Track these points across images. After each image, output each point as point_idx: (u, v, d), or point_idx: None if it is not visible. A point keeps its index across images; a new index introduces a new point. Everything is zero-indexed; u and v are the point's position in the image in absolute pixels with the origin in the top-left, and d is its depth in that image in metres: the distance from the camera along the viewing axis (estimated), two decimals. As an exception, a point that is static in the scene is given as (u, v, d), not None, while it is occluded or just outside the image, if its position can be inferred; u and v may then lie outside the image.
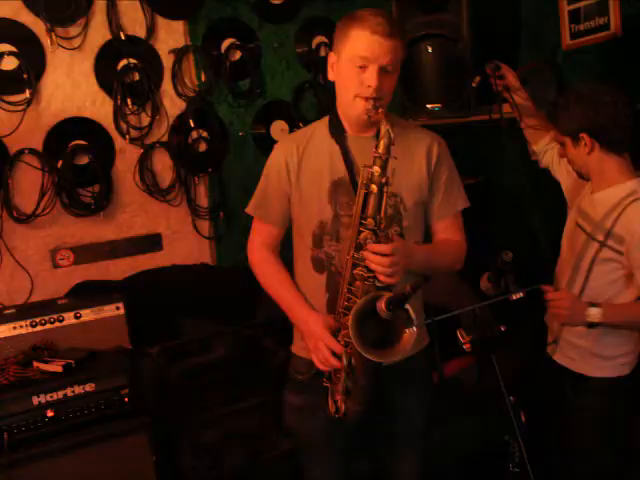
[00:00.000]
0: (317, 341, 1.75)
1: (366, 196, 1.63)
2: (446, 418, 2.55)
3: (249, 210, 1.98)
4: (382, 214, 1.62)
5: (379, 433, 1.92)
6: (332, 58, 1.78)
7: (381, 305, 1.45)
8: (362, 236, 1.64)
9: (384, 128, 1.61)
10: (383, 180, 1.61)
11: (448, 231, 1.89)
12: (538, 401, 2.12)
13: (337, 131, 1.82)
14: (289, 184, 1.85)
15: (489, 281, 1.72)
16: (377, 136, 1.74)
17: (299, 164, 1.83)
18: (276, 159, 1.89)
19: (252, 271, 1.98)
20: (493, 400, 2.46)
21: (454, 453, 2.67)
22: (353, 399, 1.73)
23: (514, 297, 1.45)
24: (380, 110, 1.65)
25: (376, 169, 1.61)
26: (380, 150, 1.61)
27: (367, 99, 1.68)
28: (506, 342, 1.54)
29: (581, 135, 1.93)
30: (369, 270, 1.64)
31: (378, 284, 1.64)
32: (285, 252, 1.99)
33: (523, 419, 2.06)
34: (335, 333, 1.74)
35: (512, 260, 1.52)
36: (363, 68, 1.68)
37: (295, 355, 1.97)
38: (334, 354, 1.71)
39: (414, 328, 1.43)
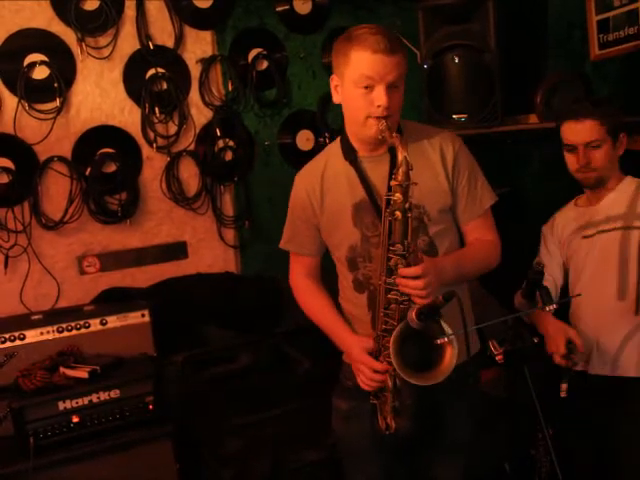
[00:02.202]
0: (358, 364, 1.77)
1: (391, 223, 1.64)
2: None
3: (282, 245, 2.00)
4: (409, 238, 1.63)
5: (426, 442, 1.90)
6: (335, 81, 1.76)
7: (412, 315, 1.43)
8: (392, 262, 1.65)
9: (401, 155, 1.60)
10: (407, 206, 1.61)
11: (479, 231, 1.87)
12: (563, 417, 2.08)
13: (349, 154, 1.82)
14: (314, 215, 1.88)
15: (523, 297, 1.69)
16: (391, 154, 1.75)
17: (321, 194, 1.85)
18: (298, 193, 1.91)
19: (295, 298, 2.01)
20: (519, 413, 2.44)
21: (480, 467, 2.63)
22: (402, 416, 1.74)
23: (547, 309, 1.42)
24: (395, 135, 1.64)
25: (398, 196, 1.61)
26: (399, 178, 1.60)
27: (379, 119, 1.67)
28: (539, 354, 1.51)
29: (621, 135, 2.05)
30: (402, 294, 1.64)
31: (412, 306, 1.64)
32: (327, 273, 2.01)
33: (550, 432, 2.02)
34: (375, 355, 1.74)
35: (544, 271, 1.48)
36: (369, 88, 1.66)
37: (345, 363, 1.97)
38: (378, 371, 1.72)
39: (455, 346, 1.41)
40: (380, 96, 1.65)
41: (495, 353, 1.41)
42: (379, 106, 1.66)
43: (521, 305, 1.78)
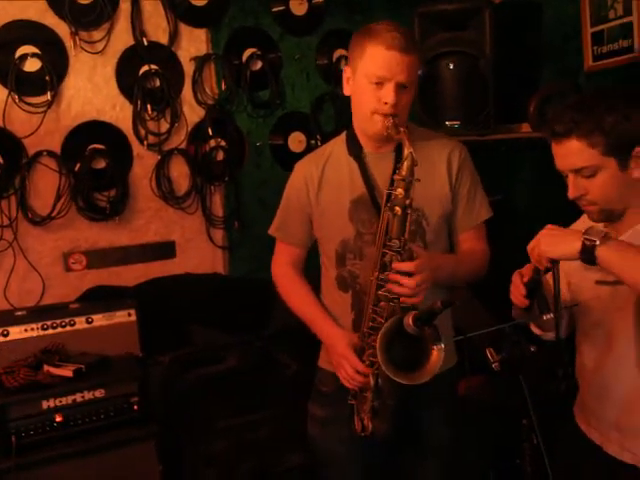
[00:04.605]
0: (340, 358, 1.77)
1: (390, 218, 1.64)
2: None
3: (272, 231, 2.01)
4: (406, 235, 1.63)
5: (404, 447, 1.91)
6: (347, 72, 1.78)
7: (408, 320, 1.44)
8: (387, 257, 1.65)
9: (407, 150, 1.60)
10: (407, 202, 1.61)
11: (472, 241, 1.89)
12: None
13: (354, 148, 1.83)
14: (309, 204, 1.87)
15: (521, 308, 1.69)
16: (396, 152, 1.77)
17: (319, 184, 1.85)
18: (296, 180, 1.91)
19: (276, 288, 2.01)
20: (506, 421, 2.46)
21: (464, 475, 2.64)
22: (380, 418, 1.73)
23: (545, 317, 1.43)
24: (402, 129, 1.64)
25: (400, 191, 1.61)
26: (403, 173, 1.61)
27: (385, 116, 1.68)
28: (536, 363, 1.52)
29: (637, 149, 1.44)
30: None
31: (402, 305, 1.65)
32: (312, 270, 2.01)
33: (535, 442, 2.02)
34: (359, 353, 1.74)
35: (540, 278, 1.49)
36: (379, 85, 1.68)
37: (320, 368, 1.97)
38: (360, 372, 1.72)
39: (442, 346, 1.42)
40: (388, 93, 1.66)
41: (492, 361, 1.41)
42: (386, 103, 1.67)
43: (519, 316, 1.76)
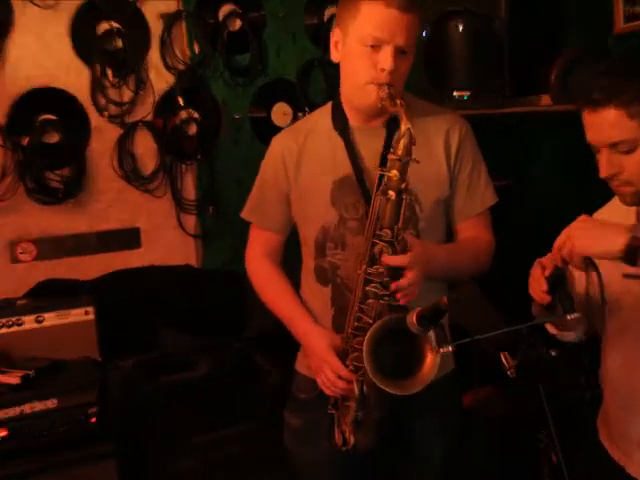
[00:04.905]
0: (321, 362, 1.77)
1: (382, 204, 1.63)
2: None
3: (245, 215, 2.00)
4: (400, 224, 1.62)
5: (393, 459, 1.92)
6: (337, 35, 1.76)
7: (412, 319, 1.43)
8: (377, 249, 1.64)
9: (404, 126, 1.59)
10: (402, 186, 1.60)
11: (474, 230, 1.89)
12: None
13: (340, 122, 1.82)
14: (287, 183, 1.87)
15: (541, 305, 1.69)
16: (388, 127, 1.75)
17: (298, 161, 1.85)
18: (273, 156, 1.91)
19: (250, 281, 2.01)
20: (519, 437, 2.48)
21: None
22: (364, 431, 1.73)
23: (569, 317, 1.42)
24: (399, 101, 1.62)
25: (394, 173, 1.60)
26: (399, 152, 1.59)
27: (381, 86, 1.66)
28: (557, 369, 1.51)
29: None
30: (384, 287, 1.64)
31: (393, 303, 1.64)
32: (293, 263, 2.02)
33: (555, 461, 2.03)
34: (342, 356, 1.74)
35: (564, 271, 1.48)
36: (375, 48, 1.65)
37: (298, 373, 1.98)
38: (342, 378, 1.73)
39: (449, 348, 1.42)
40: (386, 58, 1.64)
41: (507, 367, 1.40)
42: (383, 70, 1.65)
43: (539, 313, 1.74)
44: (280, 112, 3.28)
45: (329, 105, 1.88)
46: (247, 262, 2.02)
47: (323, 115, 1.88)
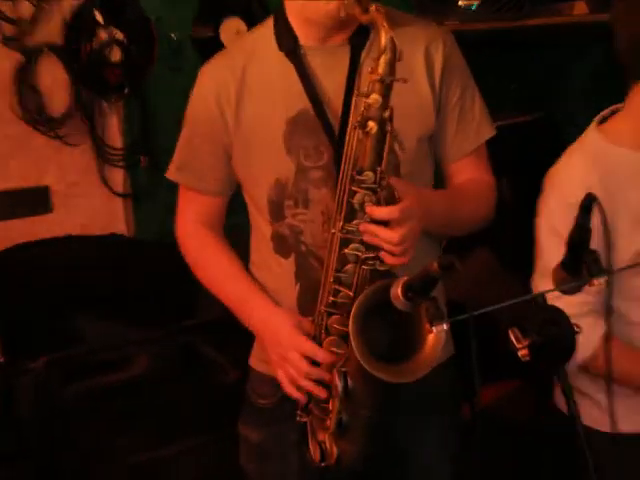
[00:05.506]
0: (286, 350, 1.77)
1: (359, 140, 1.63)
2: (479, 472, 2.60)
3: (171, 174, 2.03)
4: (383, 165, 1.62)
5: (383, 476, 1.93)
6: None
7: (397, 291, 1.44)
8: (356, 198, 1.64)
9: (385, 37, 1.57)
10: (386, 114, 1.60)
11: (470, 171, 1.93)
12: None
13: (287, 41, 1.82)
14: (225, 131, 1.87)
15: (563, 269, 1.73)
16: (353, 45, 1.77)
17: (238, 101, 1.84)
18: (202, 96, 1.90)
19: (184, 258, 2.04)
20: (553, 444, 2.53)
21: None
22: (350, 438, 1.73)
23: (595, 283, 1.46)
24: (373, 7, 1.60)
25: (375, 99, 1.59)
26: (380, 70, 1.59)
27: None
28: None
29: None
30: (368, 247, 1.65)
31: (380, 267, 1.66)
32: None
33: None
34: (313, 341, 1.76)
35: (588, 224, 1.53)
36: None
37: (254, 371, 2.00)
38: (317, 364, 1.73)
39: (444, 326, 1.44)
40: None
41: (518, 346, 1.44)
42: None
43: (562, 280, 1.79)
44: (231, 30, 3.26)
45: (270, 21, 1.87)
46: (178, 234, 2.05)
47: (264, 34, 1.87)
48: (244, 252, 1.99)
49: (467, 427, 2.12)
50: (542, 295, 1.48)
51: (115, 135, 3.18)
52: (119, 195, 3.20)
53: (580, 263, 1.51)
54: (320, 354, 1.72)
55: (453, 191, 1.92)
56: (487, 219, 1.95)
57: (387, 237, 1.60)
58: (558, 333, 1.43)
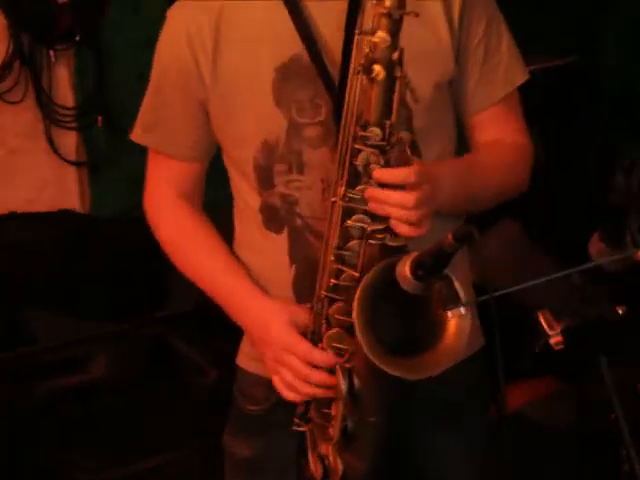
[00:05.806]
0: (279, 351, 1.77)
1: (363, 88, 1.61)
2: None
3: (137, 136, 1.98)
4: (393, 118, 1.60)
5: None
6: None
7: (404, 269, 1.44)
8: (359, 159, 1.62)
9: None
10: (395, 56, 1.58)
11: (498, 126, 1.91)
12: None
13: None
14: (201, 85, 1.84)
15: (602, 241, 1.70)
16: None
17: (215, 48, 1.83)
18: (172, 43, 1.88)
19: (155, 236, 2.00)
20: (596, 450, 2.52)
21: None
22: (358, 449, 1.73)
23: (640, 255, 1.42)
24: None
25: (381, 37, 1.57)
26: (387, 2, 1.56)
27: None
28: (628, 335, 1.50)
29: None
30: (376, 218, 1.62)
31: (391, 242, 1.64)
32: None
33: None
34: (312, 335, 1.74)
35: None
36: None
37: (243, 371, 1.98)
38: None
39: (462, 311, 1.42)
40: None
41: (550, 333, 1.40)
42: None
43: (600, 253, 1.78)
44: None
45: None
46: (148, 208, 2.01)
47: None
48: (226, 234, 1.96)
49: (493, 429, 2.11)
50: (577, 272, 1.43)
51: (65, 91, 3.19)
52: (71, 163, 3.21)
53: (621, 235, 1.49)
54: (317, 356, 1.70)
55: (472, 159, 1.90)
56: (519, 189, 1.93)
57: (401, 200, 1.59)
58: (598, 318, 1.41)
